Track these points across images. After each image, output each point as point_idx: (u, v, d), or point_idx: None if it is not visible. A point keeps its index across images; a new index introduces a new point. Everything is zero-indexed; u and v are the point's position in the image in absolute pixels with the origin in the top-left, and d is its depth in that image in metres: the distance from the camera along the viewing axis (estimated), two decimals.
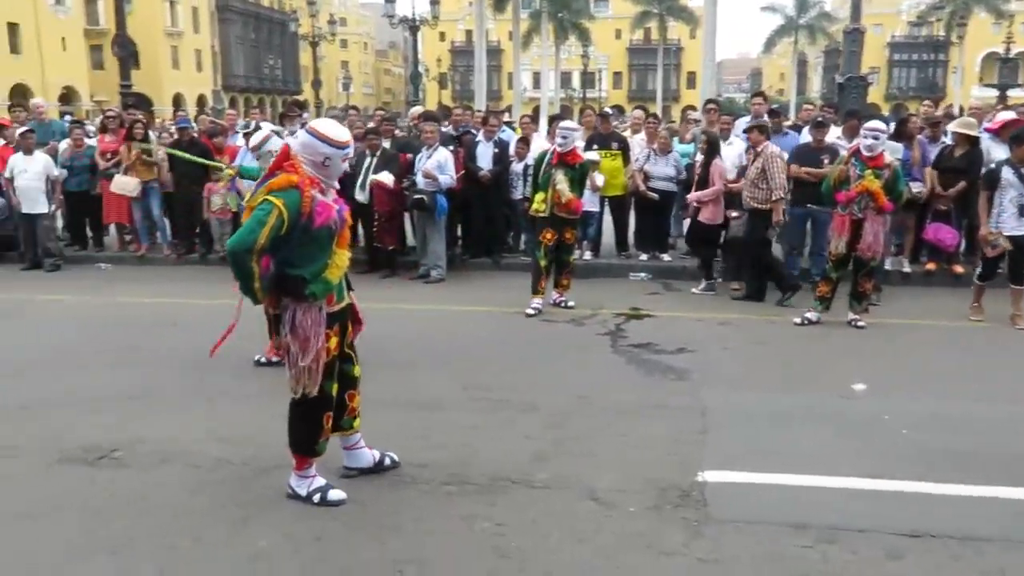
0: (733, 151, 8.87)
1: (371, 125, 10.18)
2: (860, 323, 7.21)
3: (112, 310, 8.04)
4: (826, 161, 8.01)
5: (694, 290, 8.61)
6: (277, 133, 9.53)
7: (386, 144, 9.46)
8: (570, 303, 7.95)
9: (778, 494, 4.03)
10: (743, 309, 7.87)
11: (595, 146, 9.65)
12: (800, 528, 3.66)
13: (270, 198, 3.49)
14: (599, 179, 9.07)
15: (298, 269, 3.60)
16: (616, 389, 5.63)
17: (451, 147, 9.43)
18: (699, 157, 8.80)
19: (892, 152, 7.67)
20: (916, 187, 8.58)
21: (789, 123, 11.02)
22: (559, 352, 6.62)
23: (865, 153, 6.92)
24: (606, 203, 9.90)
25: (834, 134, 9.10)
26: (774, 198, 7.77)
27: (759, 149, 7.92)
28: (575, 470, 4.29)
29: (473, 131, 10.15)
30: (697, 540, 3.58)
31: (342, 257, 3.74)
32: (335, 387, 3.85)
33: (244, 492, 4.04)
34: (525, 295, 7.84)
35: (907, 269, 9.16)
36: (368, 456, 4.22)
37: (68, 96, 44.67)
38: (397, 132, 10.49)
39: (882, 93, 64.53)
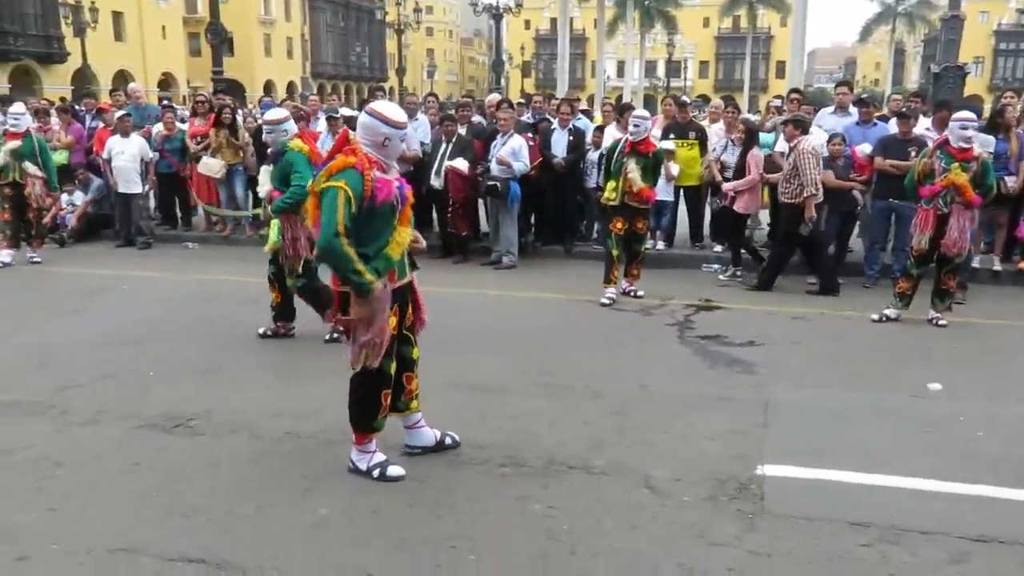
0: (813, 141, 8.62)
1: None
2: (942, 322, 6.95)
3: (196, 287, 8.40)
4: (913, 153, 7.72)
5: (720, 276, 8.75)
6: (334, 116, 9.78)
7: (462, 131, 9.56)
8: (640, 293, 7.90)
9: (839, 491, 3.94)
10: (819, 304, 7.68)
11: (672, 135, 9.55)
12: (860, 527, 3.58)
13: (331, 183, 3.60)
14: (674, 169, 8.97)
15: (362, 247, 3.69)
16: (680, 380, 5.59)
17: (528, 134, 9.47)
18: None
19: (983, 144, 7.36)
20: (1011, 181, 8.20)
21: (879, 114, 10.64)
22: (625, 341, 6.60)
23: (954, 145, 6.65)
24: (681, 193, 9.77)
25: (924, 125, 8.77)
26: (805, 194, 7.66)
27: (793, 144, 7.80)
28: (633, 458, 4.29)
29: (549, 118, 10.15)
30: (750, 533, 3.55)
31: (403, 234, 3.83)
32: (393, 366, 3.95)
33: (307, 464, 4.19)
34: (595, 283, 7.83)
35: (998, 267, 8.76)
36: (429, 435, 4.32)
37: (166, 82, 46.63)
38: (474, 119, 10.57)
39: (985, 83, 61.62)
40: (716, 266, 9.14)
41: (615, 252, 7.68)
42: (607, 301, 7.66)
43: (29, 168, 9.22)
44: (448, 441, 4.36)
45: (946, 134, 6.85)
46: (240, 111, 12.55)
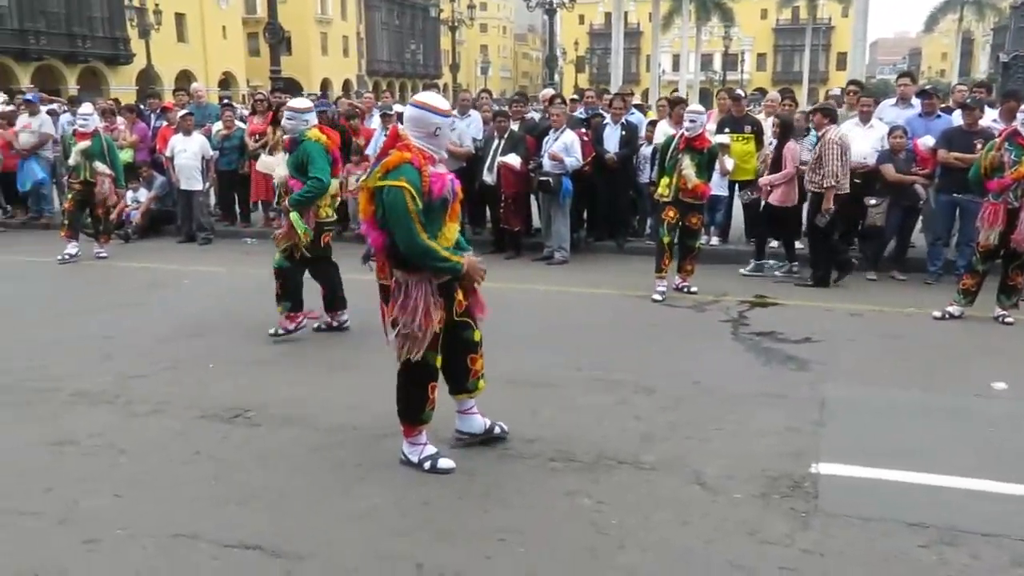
0: (874, 134, 8.44)
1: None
2: (1008, 319, 6.73)
3: (253, 282, 8.53)
4: (979, 146, 7.49)
5: (776, 272, 8.58)
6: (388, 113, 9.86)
7: (514, 127, 9.58)
8: (693, 288, 7.82)
9: (896, 491, 3.86)
10: (878, 301, 7.50)
11: (727, 129, 9.42)
12: (917, 527, 3.50)
13: (388, 183, 3.64)
14: (729, 163, 8.85)
15: None
16: (733, 376, 5.52)
17: (580, 129, 9.44)
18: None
19: None
20: None
21: (944, 105, 10.35)
22: (678, 337, 6.55)
23: None
24: (736, 188, 9.64)
25: (990, 117, 8.50)
26: (825, 185, 7.52)
27: (820, 133, 7.67)
28: (684, 454, 4.26)
29: (602, 113, 10.11)
30: (803, 532, 3.49)
31: (451, 230, 3.86)
32: (438, 359, 3.98)
33: (360, 455, 4.27)
34: (647, 279, 7.78)
35: None
36: (480, 422, 4.35)
37: (227, 81, 47.74)
38: (527, 115, 10.57)
39: None
40: (771, 262, 8.99)
41: (666, 239, 7.59)
42: (658, 297, 7.59)
43: (99, 167, 9.53)
44: (497, 430, 4.38)
45: (1015, 125, 6.63)
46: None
